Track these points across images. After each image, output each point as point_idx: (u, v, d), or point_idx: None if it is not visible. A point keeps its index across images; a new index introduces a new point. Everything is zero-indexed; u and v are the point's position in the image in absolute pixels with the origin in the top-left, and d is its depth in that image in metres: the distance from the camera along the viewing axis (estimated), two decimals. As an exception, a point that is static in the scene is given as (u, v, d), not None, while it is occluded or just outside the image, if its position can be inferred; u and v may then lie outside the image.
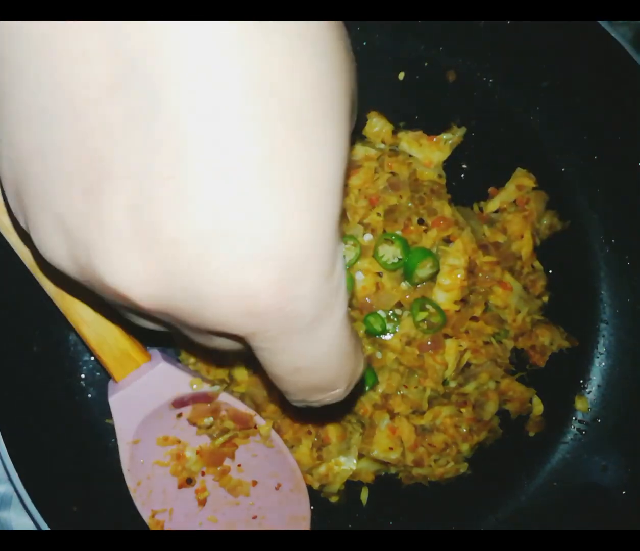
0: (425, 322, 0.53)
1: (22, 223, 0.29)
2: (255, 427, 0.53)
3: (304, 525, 0.55)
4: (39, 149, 0.26)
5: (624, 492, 0.57)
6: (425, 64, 0.57)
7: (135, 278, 0.25)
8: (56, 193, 0.26)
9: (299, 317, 0.27)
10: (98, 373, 0.56)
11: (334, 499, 0.57)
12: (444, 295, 0.53)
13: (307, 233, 0.25)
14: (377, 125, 0.56)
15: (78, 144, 0.25)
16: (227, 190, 0.24)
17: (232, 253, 0.25)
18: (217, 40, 0.23)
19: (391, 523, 0.59)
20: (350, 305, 0.51)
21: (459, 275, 0.53)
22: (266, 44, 0.24)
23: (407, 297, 0.53)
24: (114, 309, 0.32)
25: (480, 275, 0.54)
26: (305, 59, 0.24)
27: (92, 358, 0.56)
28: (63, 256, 0.27)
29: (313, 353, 0.29)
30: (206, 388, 0.51)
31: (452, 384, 0.56)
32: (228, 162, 0.24)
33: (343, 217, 0.41)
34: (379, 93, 0.57)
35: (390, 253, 0.52)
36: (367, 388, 0.53)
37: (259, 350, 0.29)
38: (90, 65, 0.24)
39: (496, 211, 0.58)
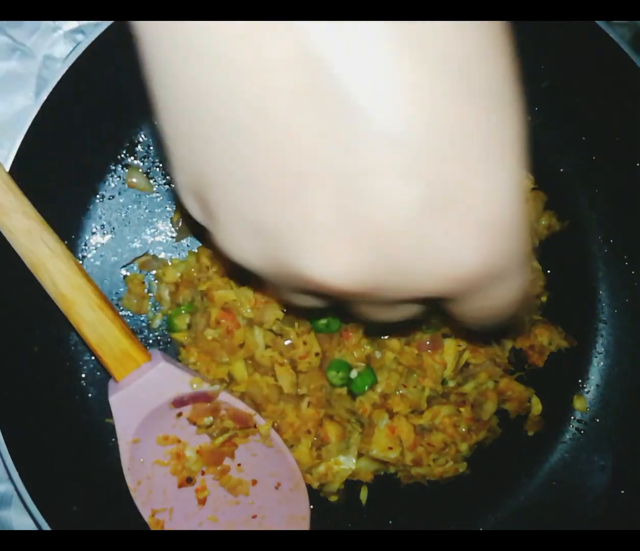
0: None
1: (205, 223, 0.31)
2: (255, 427, 0.53)
3: (304, 524, 0.55)
4: (225, 159, 0.27)
5: (622, 491, 0.57)
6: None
7: (340, 269, 0.27)
8: (248, 200, 0.27)
9: (507, 273, 0.28)
10: (98, 373, 0.56)
11: (333, 498, 0.57)
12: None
13: (512, 196, 0.26)
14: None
15: (270, 153, 0.26)
16: (427, 174, 0.25)
17: (440, 232, 0.26)
18: (398, 40, 0.24)
19: (390, 522, 0.59)
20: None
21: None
22: (440, 36, 0.25)
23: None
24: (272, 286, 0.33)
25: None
26: (481, 41, 0.26)
27: (93, 358, 0.56)
28: (255, 255, 0.29)
29: (510, 294, 0.30)
30: (206, 387, 0.52)
31: (451, 384, 0.56)
32: (420, 151, 0.25)
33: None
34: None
35: None
36: (366, 387, 0.53)
37: (454, 303, 0.30)
38: (280, 72, 0.24)
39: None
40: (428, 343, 0.53)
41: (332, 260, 0.27)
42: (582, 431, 0.60)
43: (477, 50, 0.26)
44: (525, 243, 0.28)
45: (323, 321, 0.52)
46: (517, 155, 0.26)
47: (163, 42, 0.26)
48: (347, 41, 0.24)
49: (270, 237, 0.28)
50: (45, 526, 0.49)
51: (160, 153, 0.57)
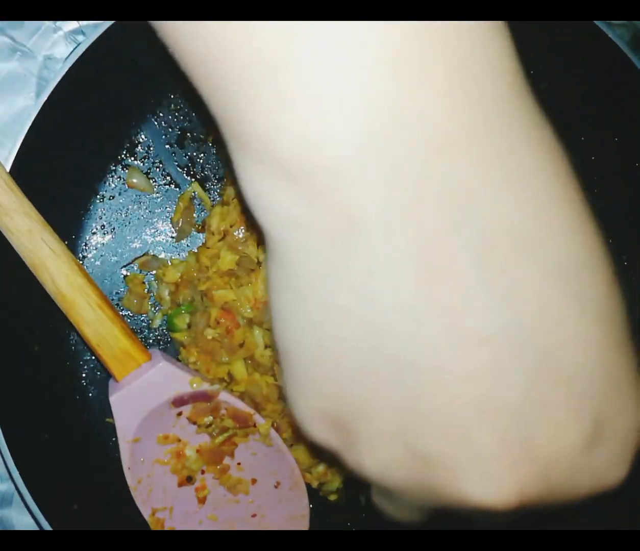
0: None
1: (337, 447, 0.31)
2: (254, 426, 0.53)
3: (303, 523, 0.55)
4: (383, 398, 0.28)
5: (622, 491, 0.57)
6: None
7: (505, 494, 0.28)
8: (406, 435, 0.28)
9: None
10: (99, 373, 0.57)
11: (332, 497, 0.57)
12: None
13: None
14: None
15: (439, 389, 0.27)
16: (589, 409, 0.28)
17: (598, 457, 0.29)
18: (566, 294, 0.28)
19: (390, 521, 0.59)
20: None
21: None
22: None
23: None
24: None
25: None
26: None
27: (93, 357, 0.56)
28: (405, 477, 0.30)
29: None
30: (206, 387, 0.52)
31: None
32: (583, 388, 0.28)
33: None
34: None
35: None
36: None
37: None
38: (465, 316, 0.26)
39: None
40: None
41: (496, 486, 0.28)
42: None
43: (615, 299, 0.30)
44: None
45: None
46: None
47: (337, 273, 0.27)
48: (520, 284, 0.27)
49: (430, 463, 0.28)
50: (46, 525, 0.49)
51: (160, 153, 0.57)
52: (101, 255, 0.57)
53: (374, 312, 0.26)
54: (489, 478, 0.28)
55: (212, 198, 0.58)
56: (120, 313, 0.55)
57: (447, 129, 0.25)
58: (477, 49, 0.26)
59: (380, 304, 0.26)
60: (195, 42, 0.25)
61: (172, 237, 0.58)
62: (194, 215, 0.58)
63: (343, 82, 0.24)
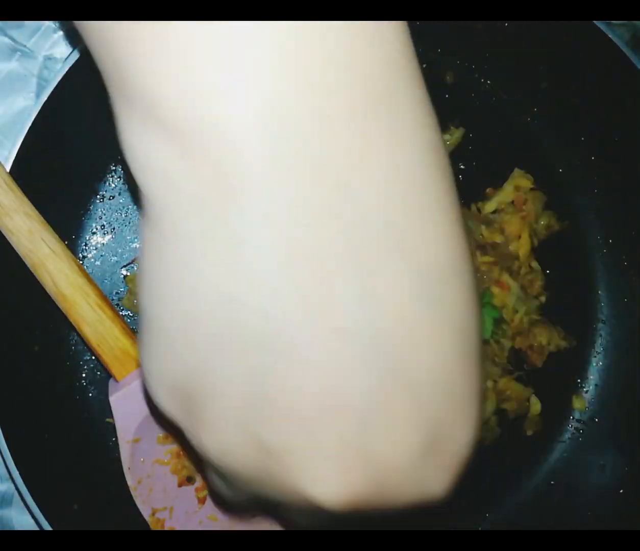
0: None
1: (179, 418, 0.31)
2: (254, 426, 0.53)
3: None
4: (235, 374, 0.27)
5: (621, 491, 0.57)
6: (424, 66, 0.57)
7: (337, 493, 0.28)
8: (254, 416, 0.27)
9: None
10: (99, 373, 0.57)
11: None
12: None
13: (475, 434, 0.31)
14: (375, 126, 0.57)
15: (287, 375, 0.27)
16: (429, 419, 0.28)
17: (429, 468, 0.29)
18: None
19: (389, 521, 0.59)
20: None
21: (457, 275, 0.53)
22: None
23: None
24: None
25: (478, 275, 0.55)
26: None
27: (93, 357, 0.56)
28: (243, 462, 0.29)
29: None
30: (206, 387, 0.52)
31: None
32: (427, 398, 0.28)
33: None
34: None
35: None
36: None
37: None
38: (325, 306, 0.26)
39: (494, 212, 0.58)
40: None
41: (331, 485, 0.28)
42: (581, 431, 0.60)
43: (470, 313, 0.29)
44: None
45: None
46: (481, 405, 0.30)
47: (207, 240, 0.26)
48: (387, 283, 0.26)
49: (271, 452, 0.28)
50: (46, 525, 0.49)
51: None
52: (101, 255, 0.57)
53: (236, 284, 0.26)
54: (323, 477, 0.28)
55: (212, 198, 0.58)
56: (120, 313, 0.55)
57: (329, 112, 0.24)
58: (361, 40, 0.26)
59: (243, 277, 0.26)
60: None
61: (172, 237, 0.58)
62: (194, 215, 0.58)
63: (236, 40, 0.23)
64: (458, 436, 0.29)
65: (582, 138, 0.58)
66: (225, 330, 0.27)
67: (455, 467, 0.30)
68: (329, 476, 0.28)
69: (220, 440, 0.29)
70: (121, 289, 0.57)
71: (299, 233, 0.25)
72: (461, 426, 0.29)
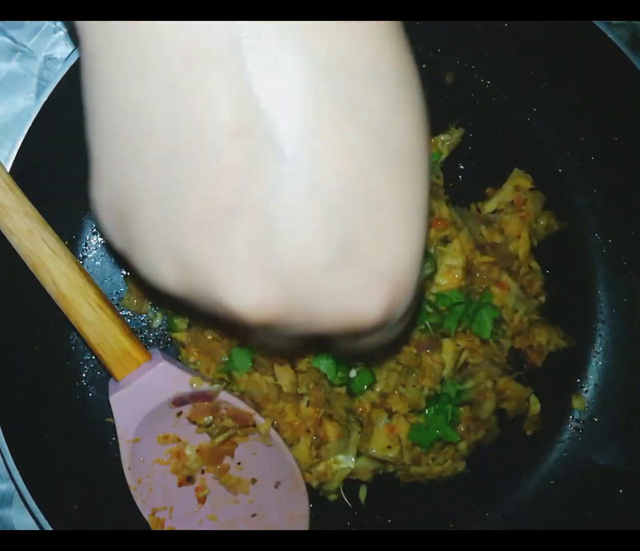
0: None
1: (119, 245, 0.31)
2: (254, 425, 0.53)
3: (303, 522, 0.55)
4: (154, 179, 0.28)
5: (620, 491, 0.57)
6: (423, 66, 0.57)
7: (253, 302, 0.28)
8: (171, 227, 0.28)
9: (393, 322, 0.31)
10: (99, 373, 0.57)
11: (332, 497, 0.58)
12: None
13: (410, 257, 0.29)
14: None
15: (198, 181, 0.27)
16: (340, 226, 0.27)
17: (347, 281, 0.28)
18: (331, 93, 0.27)
19: (389, 521, 0.59)
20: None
21: (456, 276, 0.53)
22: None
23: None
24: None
25: (477, 275, 0.55)
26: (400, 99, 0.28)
27: (93, 357, 0.56)
28: (172, 280, 0.30)
29: (385, 339, 0.34)
30: (206, 387, 0.52)
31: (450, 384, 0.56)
32: (337, 204, 0.27)
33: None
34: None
35: None
36: (365, 387, 0.54)
37: (337, 341, 0.34)
38: (217, 107, 0.26)
39: (493, 212, 0.58)
40: (427, 342, 0.54)
41: (246, 292, 0.28)
42: (581, 431, 0.60)
43: (396, 118, 0.28)
44: (412, 304, 0.32)
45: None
46: (421, 224, 0.29)
47: (111, 54, 0.28)
48: (278, 79, 0.26)
49: (189, 265, 0.28)
50: (46, 525, 0.49)
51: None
52: (101, 255, 0.57)
53: (141, 93, 0.27)
54: (238, 286, 0.28)
55: (212, 199, 0.58)
56: (120, 313, 0.55)
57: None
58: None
59: (145, 85, 0.27)
60: None
61: (172, 237, 0.58)
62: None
63: None
64: (383, 251, 0.28)
65: (582, 139, 0.58)
66: (139, 142, 0.28)
67: (386, 285, 0.29)
68: (242, 284, 0.28)
69: (149, 259, 0.30)
70: (121, 289, 0.57)
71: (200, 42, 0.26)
72: (387, 241, 0.28)
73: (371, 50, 0.27)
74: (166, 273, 0.30)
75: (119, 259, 0.57)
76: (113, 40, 0.27)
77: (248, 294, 0.28)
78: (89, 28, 0.28)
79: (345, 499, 0.58)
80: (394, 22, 0.28)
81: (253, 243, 0.27)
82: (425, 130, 0.29)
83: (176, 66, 0.26)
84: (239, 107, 0.26)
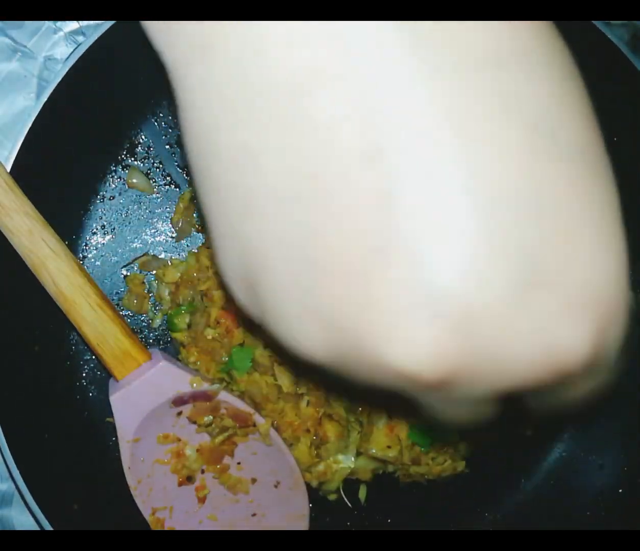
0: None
1: (255, 314, 0.27)
2: (254, 425, 0.53)
3: (303, 522, 0.55)
4: (278, 238, 0.24)
5: (620, 491, 0.57)
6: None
7: (425, 356, 0.23)
8: (308, 284, 0.24)
9: (606, 358, 0.26)
10: (99, 373, 0.57)
11: (332, 497, 0.58)
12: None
13: (615, 268, 0.23)
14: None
15: (330, 224, 0.23)
16: (517, 243, 0.22)
17: (538, 311, 0.22)
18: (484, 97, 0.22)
19: (389, 520, 0.59)
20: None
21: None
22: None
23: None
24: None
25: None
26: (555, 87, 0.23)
27: (93, 357, 0.56)
28: (319, 348, 0.25)
29: (595, 386, 0.28)
30: (206, 386, 0.52)
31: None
32: (507, 216, 0.22)
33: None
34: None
35: None
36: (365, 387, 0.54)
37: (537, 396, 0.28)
38: (340, 131, 0.22)
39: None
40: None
41: (414, 346, 0.23)
42: (581, 431, 0.60)
43: (565, 109, 0.23)
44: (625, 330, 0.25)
45: None
46: (620, 227, 0.24)
47: (212, 102, 0.23)
48: (408, 87, 0.21)
49: (337, 325, 0.24)
50: (46, 525, 0.49)
51: (160, 154, 0.57)
52: (101, 255, 0.57)
53: (247, 137, 0.23)
54: (402, 336, 0.23)
55: (212, 199, 0.58)
56: (120, 313, 0.55)
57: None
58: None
59: (250, 128, 0.23)
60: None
61: (172, 237, 0.58)
62: (194, 215, 0.58)
63: None
64: (579, 266, 0.22)
65: (582, 139, 0.58)
66: (255, 194, 0.24)
67: (592, 311, 0.23)
68: (408, 336, 0.22)
69: (290, 327, 0.25)
70: (121, 289, 0.57)
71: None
72: (581, 252, 0.22)
73: (522, 33, 0.23)
74: (311, 341, 0.25)
75: (119, 259, 0.57)
76: (210, 80, 0.23)
77: (417, 347, 0.22)
78: (183, 68, 0.24)
79: (345, 499, 0.58)
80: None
81: (410, 284, 0.22)
82: (595, 122, 0.24)
83: (285, 99, 0.22)
84: (366, 126, 0.21)
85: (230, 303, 0.53)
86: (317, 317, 0.24)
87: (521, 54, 0.23)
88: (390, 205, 0.22)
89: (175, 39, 0.24)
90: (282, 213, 0.23)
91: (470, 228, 0.21)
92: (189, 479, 0.54)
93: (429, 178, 0.21)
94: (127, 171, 0.57)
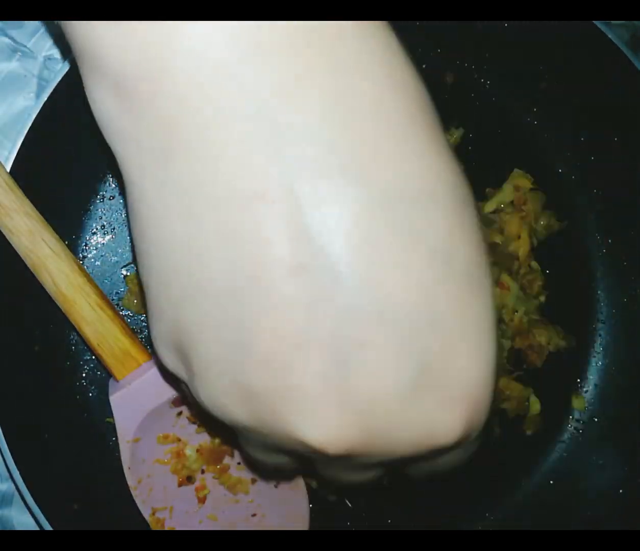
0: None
1: (173, 370, 0.32)
2: (254, 426, 0.53)
3: (303, 523, 0.55)
4: (214, 322, 0.28)
5: (621, 491, 0.57)
6: (423, 66, 0.57)
7: (330, 434, 0.28)
8: (235, 363, 0.28)
9: (472, 438, 0.31)
10: (99, 373, 0.57)
11: (332, 497, 0.58)
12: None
13: (484, 373, 0.29)
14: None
15: (261, 321, 0.27)
16: (413, 351, 0.27)
17: (424, 405, 0.28)
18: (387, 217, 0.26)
19: (389, 521, 0.59)
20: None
21: (456, 275, 0.53)
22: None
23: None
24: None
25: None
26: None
27: (93, 357, 0.56)
28: (238, 414, 0.29)
29: (463, 457, 0.35)
30: (206, 387, 0.52)
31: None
32: (407, 331, 0.27)
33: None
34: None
35: None
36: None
37: (414, 464, 0.33)
38: (274, 246, 0.26)
39: (493, 211, 0.58)
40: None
41: (322, 425, 0.27)
42: (581, 431, 0.60)
43: (459, 238, 0.28)
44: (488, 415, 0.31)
45: None
46: (492, 339, 0.29)
47: (165, 198, 0.27)
48: (335, 214, 0.26)
49: (257, 400, 0.28)
50: (46, 525, 0.49)
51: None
52: (101, 255, 0.57)
53: (195, 234, 0.27)
54: (312, 417, 0.27)
55: (212, 199, 0.58)
56: (120, 313, 0.55)
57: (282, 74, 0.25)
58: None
59: (199, 227, 0.27)
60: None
61: (172, 237, 0.58)
62: (194, 215, 0.58)
63: None
64: (458, 370, 0.28)
65: (582, 139, 0.58)
66: (196, 283, 0.28)
67: (464, 405, 0.28)
68: (317, 418, 0.27)
69: (211, 392, 0.29)
70: (121, 289, 0.57)
71: (243, 178, 0.26)
72: (460, 359, 0.28)
73: (428, 175, 0.27)
74: (231, 407, 0.29)
75: (119, 259, 0.57)
76: (167, 182, 0.27)
77: (324, 427, 0.27)
78: (137, 176, 0.28)
79: (346, 499, 0.58)
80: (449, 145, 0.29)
81: (324, 376, 0.27)
82: (483, 245, 0.29)
83: (233, 209, 0.26)
84: (296, 244, 0.26)
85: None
86: (241, 390, 0.28)
87: (429, 192, 0.27)
88: (313, 312, 0.26)
89: (136, 148, 0.27)
90: (219, 303, 0.27)
91: (379, 340, 0.26)
92: (189, 479, 0.54)
93: (347, 295, 0.26)
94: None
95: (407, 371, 0.27)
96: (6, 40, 0.56)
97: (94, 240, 0.57)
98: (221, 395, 0.29)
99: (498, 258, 0.55)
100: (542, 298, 0.58)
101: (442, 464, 0.34)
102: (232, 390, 0.28)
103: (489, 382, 0.29)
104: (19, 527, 0.57)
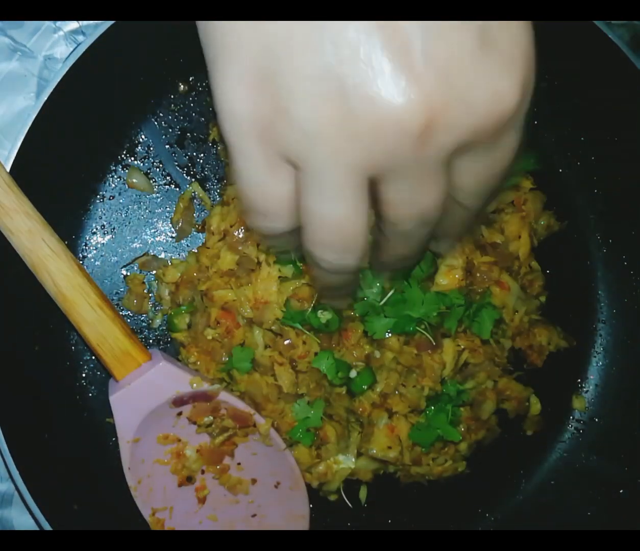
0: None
1: (258, 112, 0.32)
2: (254, 426, 0.53)
3: (303, 523, 0.55)
4: (300, 37, 0.31)
5: (621, 490, 0.57)
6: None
7: (415, 97, 0.30)
8: (325, 68, 0.30)
9: (523, 111, 0.34)
10: (99, 373, 0.57)
11: (332, 497, 0.58)
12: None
13: (533, 44, 0.33)
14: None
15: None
16: (478, 25, 0.31)
17: (490, 64, 0.31)
18: None
19: (390, 521, 0.59)
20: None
21: (456, 276, 0.53)
22: None
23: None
24: None
25: (478, 275, 0.55)
26: None
27: (93, 357, 0.56)
28: (329, 115, 0.31)
29: (509, 153, 0.36)
30: (206, 387, 0.52)
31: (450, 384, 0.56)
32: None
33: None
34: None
35: None
36: (365, 387, 0.54)
37: (472, 159, 0.35)
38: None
39: (494, 211, 0.58)
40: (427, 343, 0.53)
41: (407, 90, 0.30)
42: (581, 431, 0.60)
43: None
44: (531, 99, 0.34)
45: (323, 319, 0.52)
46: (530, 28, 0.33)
47: None
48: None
49: (348, 96, 0.30)
50: (46, 525, 0.49)
51: (160, 153, 0.57)
52: (101, 255, 0.57)
53: None
54: (398, 86, 0.30)
55: (212, 198, 0.58)
56: (120, 313, 0.55)
57: None
58: None
59: None
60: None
61: (172, 237, 0.58)
62: (194, 215, 0.58)
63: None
64: (514, 33, 0.32)
65: (582, 139, 0.58)
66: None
67: (521, 65, 0.32)
68: (400, 85, 0.30)
69: (304, 93, 0.31)
70: (121, 289, 0.57)
71: None
72: (514, 27, 0.32)
73: None
74: (321, 106, 0.31)
75: (119, 259, 0.57)
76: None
77: (409, 91, 0.30)
78: None
79: (346, 499, 0.58)
80: None
81: (400, 48, 0.30)
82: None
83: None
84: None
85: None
86: (335, 92, 0.30)
87: None
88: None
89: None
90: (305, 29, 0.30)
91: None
92: (189, 479, 0.54)
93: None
94: (127, 171, 0.57)
95: (471, 32, 0.31)
96: (6, 40, 0.56)
97: (94, 240, 0.57)
98: (315, 96, 0.31)
99: (498, 258, 0.55)
100: (543, 298, 0.58)
101: (497, 159, 0.35)
102: (323, 90, 0.30)
103: (533, 47, 0.33)
104: (18, 527, 0.57)
